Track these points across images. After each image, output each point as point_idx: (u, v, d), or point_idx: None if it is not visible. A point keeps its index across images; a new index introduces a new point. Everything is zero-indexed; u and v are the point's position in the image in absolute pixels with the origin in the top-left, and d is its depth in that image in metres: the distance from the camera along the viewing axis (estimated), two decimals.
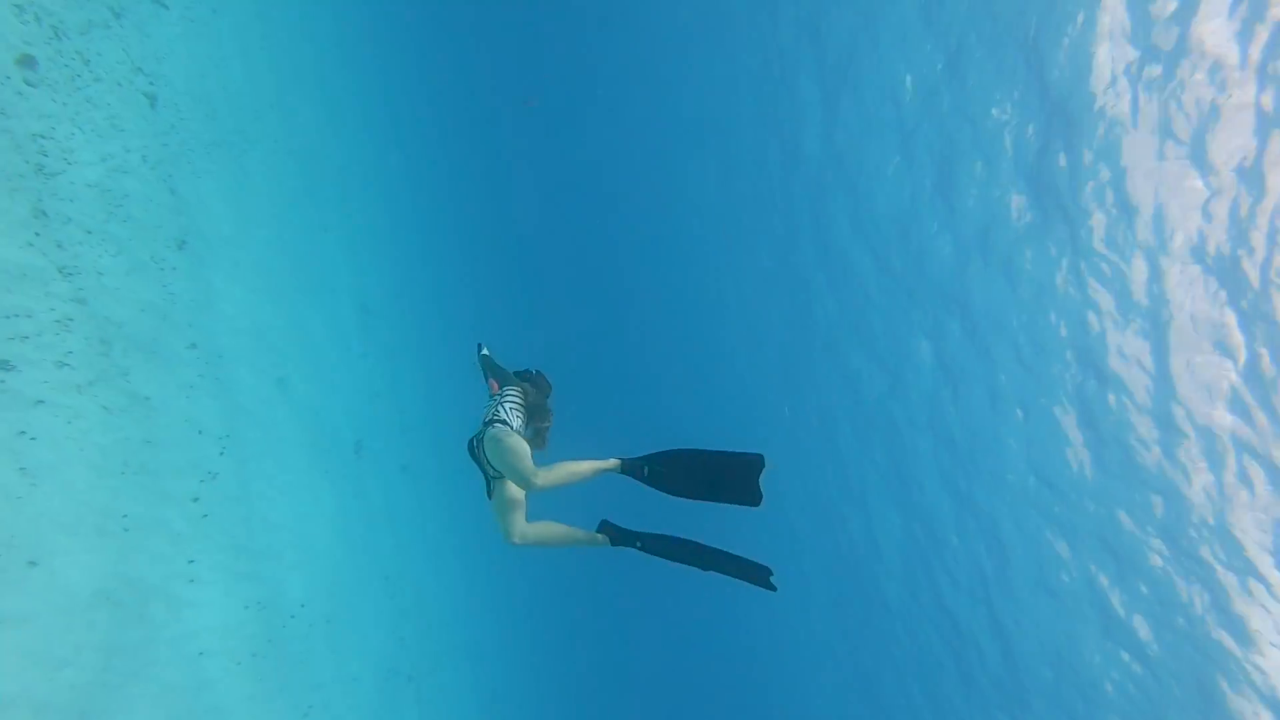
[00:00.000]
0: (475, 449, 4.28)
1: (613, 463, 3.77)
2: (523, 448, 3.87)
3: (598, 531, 3.80)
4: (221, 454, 9.03)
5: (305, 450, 11.65)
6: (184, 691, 7.26)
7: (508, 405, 4.33)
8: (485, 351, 5.30)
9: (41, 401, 6.08)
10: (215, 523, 8.52)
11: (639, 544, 3.72)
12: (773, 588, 3.62)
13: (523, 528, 4.01)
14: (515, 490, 4.02)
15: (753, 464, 3.58)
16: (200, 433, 8.63)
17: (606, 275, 35.66)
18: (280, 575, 9.99)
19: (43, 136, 6.69)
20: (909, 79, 12.22)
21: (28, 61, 6.60)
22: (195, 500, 8.21)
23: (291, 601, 10.22)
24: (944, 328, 13.42)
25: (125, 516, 6.89)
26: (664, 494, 3.71)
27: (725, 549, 3.66)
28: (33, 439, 5.90)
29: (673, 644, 36.24)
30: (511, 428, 4.12)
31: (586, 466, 3.73)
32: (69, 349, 6.54)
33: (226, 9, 11.43)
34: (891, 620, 19.00)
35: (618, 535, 3.76)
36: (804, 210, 17.14)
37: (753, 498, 3.58)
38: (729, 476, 3.62)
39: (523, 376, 4.70)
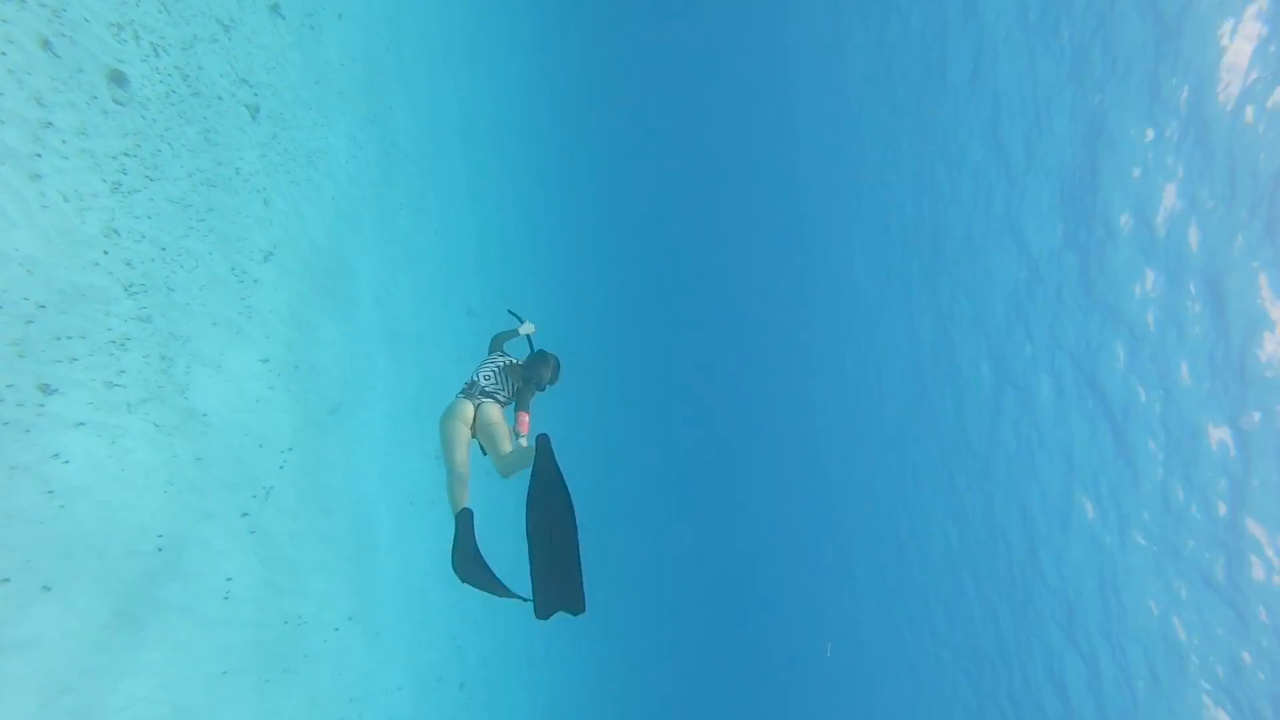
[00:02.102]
0: None
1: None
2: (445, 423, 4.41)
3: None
4: (281, 468, 9.06)
5: (377, 460, 11.68)
6: (197, 713, 7.24)
7: (480, 369, 4.71)
8: (526, 331, 5.32)
9: (82, 424, 6.11)
10: (262, 538, 8.54)
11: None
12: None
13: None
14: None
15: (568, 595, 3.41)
16: (260, 447, 8.67)
17: (696, 295, 35.71)
18: (329, 589, 10.00)
19: (126, 154, 6.75)
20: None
21: (118, 79, 6.67)
22: (244, 516, 8.24)
23: (338, 615, 10.23)
24: None
25: (160, 536, 6.90)
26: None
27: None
28: (66, 462, 5.92)
29: (735, 654, 34.94)
30: (464, 390, 4.60)
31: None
32: (122, 368, 6.58)
33: (353, 13, 11.53)
34: None
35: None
36: None
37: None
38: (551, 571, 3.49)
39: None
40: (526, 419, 4.51)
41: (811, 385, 27.80)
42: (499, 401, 4.59)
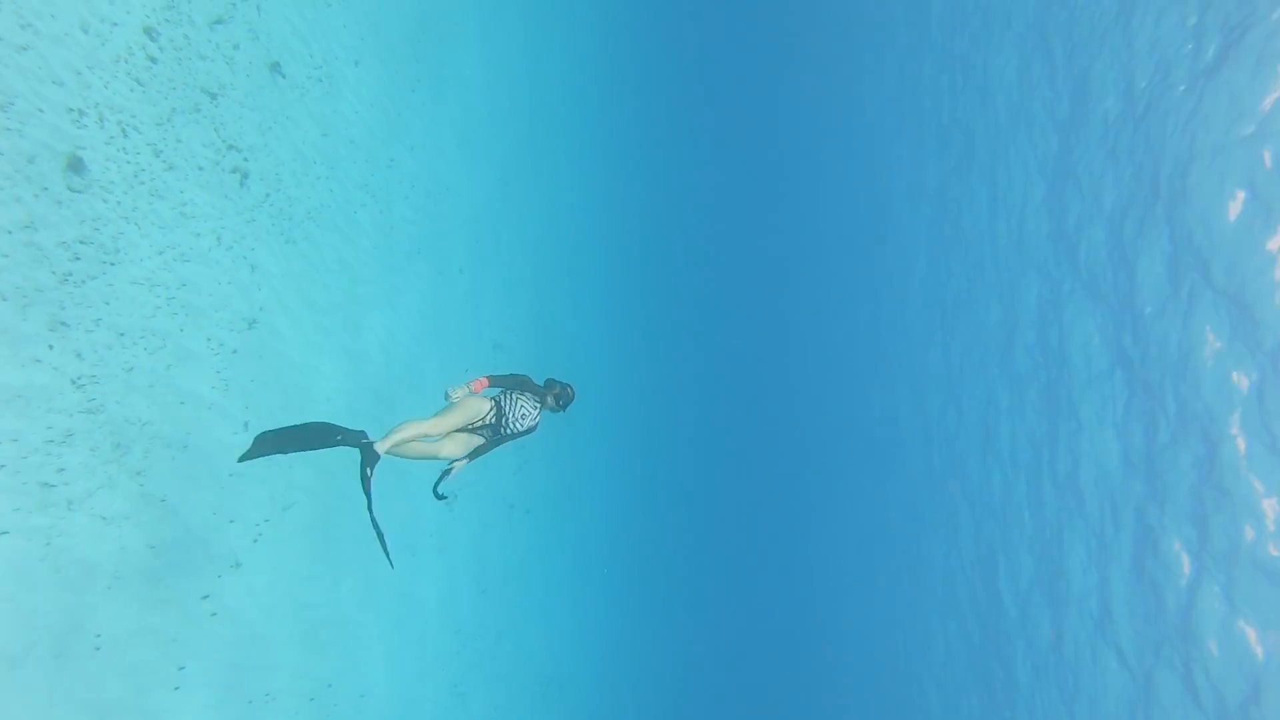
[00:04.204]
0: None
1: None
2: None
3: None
4: (255, 541, 8.82)
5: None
6: None
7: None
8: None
9: (5, 532, 5.90)
10: (225, 619, 8.31)
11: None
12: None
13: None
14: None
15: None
16: (231, 522, 8.44)
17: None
18: (303, 659, 9.75)
19: (81, 242, 6.53)
20: None
21: (75, 166, 6.43)
22: (204, 598, 8.01)
23: (314, 684, 9.99)
24: None
25: (98, 635, 6.69)
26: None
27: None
28: None
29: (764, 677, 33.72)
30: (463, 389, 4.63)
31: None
32: (62, 466, 6.37)
33: (372, 59, 11.19)
34: None
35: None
36: None
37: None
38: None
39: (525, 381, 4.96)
40: (485, 384, 4.63)
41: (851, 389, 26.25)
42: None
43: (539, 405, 4.77)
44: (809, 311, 30.95)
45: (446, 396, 4.55)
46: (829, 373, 28.52)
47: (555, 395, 4.83)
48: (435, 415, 4.43)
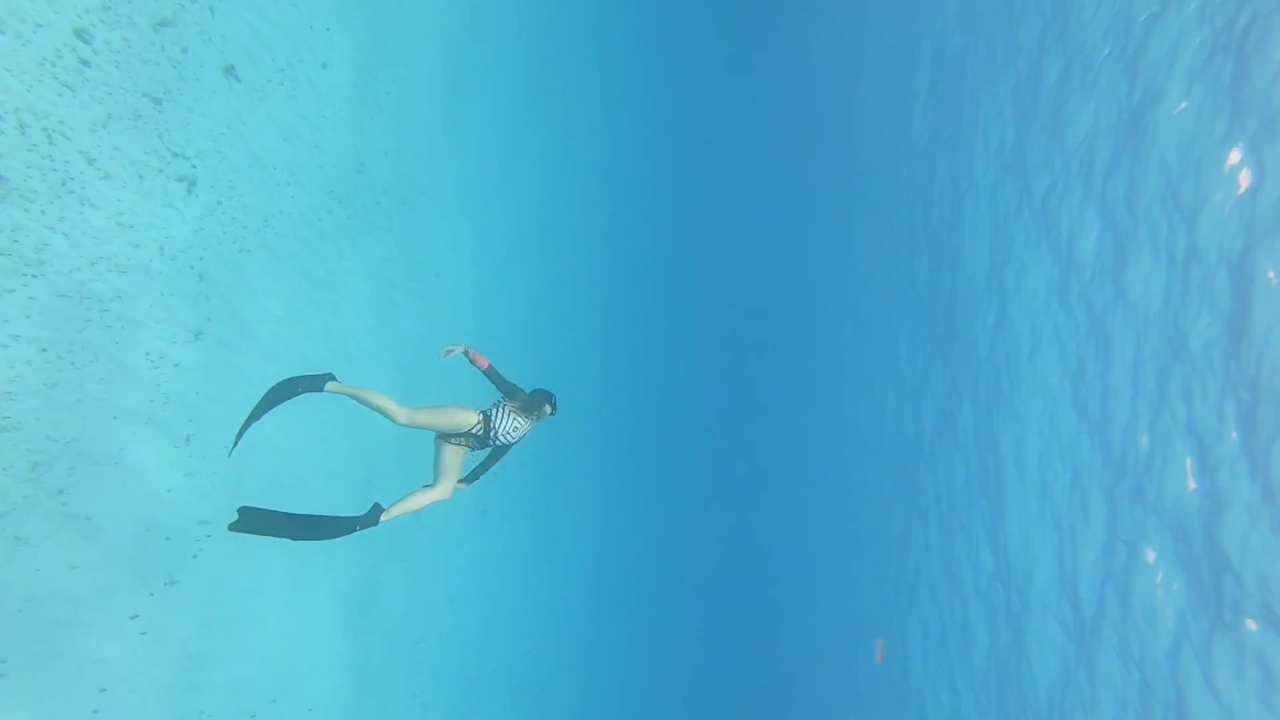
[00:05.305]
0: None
1: None
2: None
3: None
4: (195, 557, 8.59)
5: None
6: None
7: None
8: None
9: None
10: (155, 639, 8.07)
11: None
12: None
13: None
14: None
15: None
16: (168, 539, 8.20)
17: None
18: (245, 675, 9.53)
19: None
20: None
21: None
22: (133, 618, 7.78)
23: (258, 700, 9.77)
24: None
25: (3, 661, 6.46)
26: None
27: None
28: None
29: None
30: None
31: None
32: None
33: (341, 61, 10.87)
34: None
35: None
36: None
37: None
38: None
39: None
40: (486, 364, 4.60)
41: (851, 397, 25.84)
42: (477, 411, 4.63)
43: (530, 418, 4.70)
44: (800, 328, 30.56)
45: (445, 353, 4.59)
46: (819, 386, 28.09)
47: (543, 407, 4.77)
48: (412, 406, 4.39)
